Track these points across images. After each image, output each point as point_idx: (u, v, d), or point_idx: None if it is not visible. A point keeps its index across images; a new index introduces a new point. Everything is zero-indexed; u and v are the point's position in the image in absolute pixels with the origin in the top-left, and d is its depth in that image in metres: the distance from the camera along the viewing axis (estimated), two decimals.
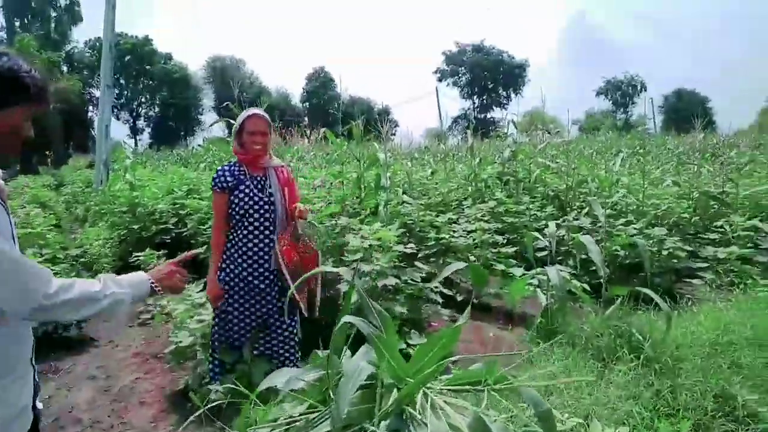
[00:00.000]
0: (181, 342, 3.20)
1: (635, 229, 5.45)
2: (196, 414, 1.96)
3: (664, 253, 5.20)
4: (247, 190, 2.87)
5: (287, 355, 2.99)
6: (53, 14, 44.42)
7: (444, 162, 10.82)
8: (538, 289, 3.75)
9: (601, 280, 3.47)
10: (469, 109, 61.39)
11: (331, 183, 6.26)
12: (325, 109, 55.71)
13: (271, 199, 2.90)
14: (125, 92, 50.44)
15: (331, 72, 58.76)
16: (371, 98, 55.58)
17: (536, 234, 4.08)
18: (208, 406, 2.68)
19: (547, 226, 6.32)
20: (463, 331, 4.57)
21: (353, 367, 1.66)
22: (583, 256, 4.54)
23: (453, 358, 1.98)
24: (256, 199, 2.87)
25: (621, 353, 2.96)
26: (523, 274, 4.23)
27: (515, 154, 7.97)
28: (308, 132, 14.30)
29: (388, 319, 2.07)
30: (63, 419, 3.10)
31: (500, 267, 5.10)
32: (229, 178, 2.88)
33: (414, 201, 5.78)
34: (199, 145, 13.60)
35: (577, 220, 5.88)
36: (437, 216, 6.09)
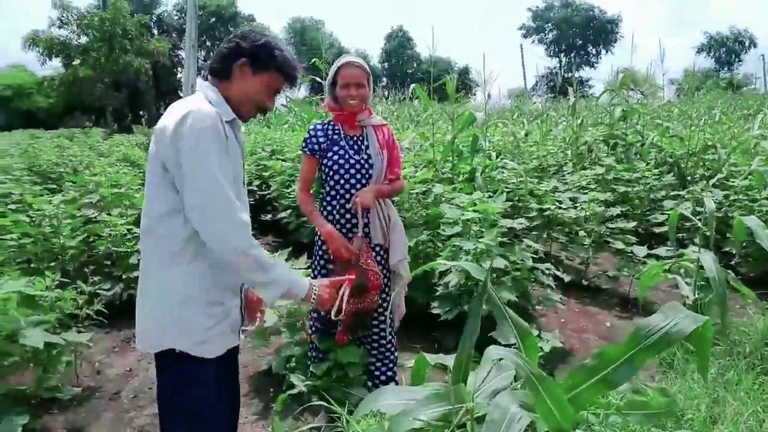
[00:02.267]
0: (265, 321, 2.90)
1: None
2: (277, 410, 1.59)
3: None
4: (341, 152, 2.44)
5: (382, 349, 2.58)
6: None
7: (538, 123, 9.94)
8: (679, 278, 3.10)
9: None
10: (555, 68, 57.86)
11: (421, 145, 5.75)
12: (404, 69, 54.53)
13: (369, 161, 2.46)
14: (211, 54, 51.78)
15: (410, 31, 57.24)
16: (451, 57, 53.63)
17: (684, 210, 3.35)
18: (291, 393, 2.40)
19: (667, 197, 5.57)
20: (575, 318, 4.03)
21: (500, 411, 1.20)
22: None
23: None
24: (352, 162, 2.44)
25: None
26: (661, 258, 3.55)
27: (626, 114, 7.03)
28: (386, 93, 13.73)
29: (528, 334, 1.59)
30: (141, 397, 2.91)
31: (617, 245, 4.41)
32: (321, 139, 2.47)
33: (518, 165, 5.15)
34: (282, 105, 13.42)
35: (708, 191, 5.04)
36: (538, 183, 5.44)
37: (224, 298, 1.53)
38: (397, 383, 2.69)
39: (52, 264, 3.90)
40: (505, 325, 1.60)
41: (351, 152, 2.44)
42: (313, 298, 1.61)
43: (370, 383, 2.58)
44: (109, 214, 4.27)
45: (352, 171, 2.43)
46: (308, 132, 2.51)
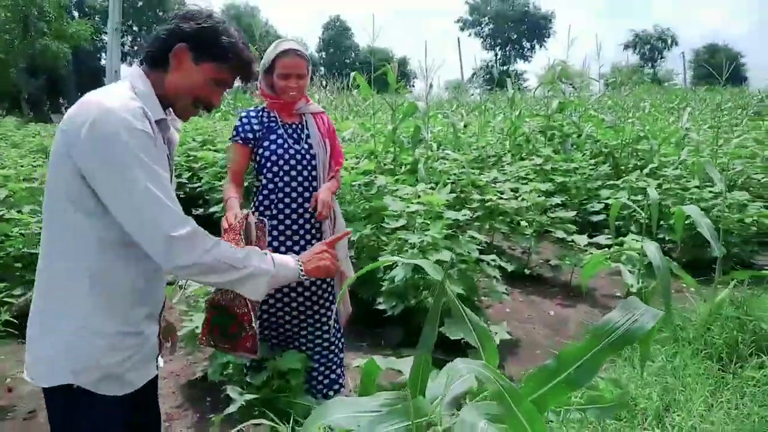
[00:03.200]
0: (197, 327, 2.67)
1: (711, 192, 4.76)
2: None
3: (747, 220, 4.52)
4: (280, 141, 2.24)
5: (326, 352, 2.42)
6: None
7: (476, 115, 10.02)
8: (622, 266, 3.13)
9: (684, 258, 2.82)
10: (491, 61, 59.11)
11: (361, 136, 5.60)
12: (342, 59, 54.02)
13: (311, 151, 2.28)
14: (138, 39, 49.14)
15: (348, 20, 56.69)
16: (389, 48, 53.61)
17: (625, 200, 3.39)
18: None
19: (603, 186, 5.72)
20: (520, 308, 4.03)
21: (467, 426, 1.08)
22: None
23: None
24: (292, 152, 2.24)
25: (745, 352, 2.37)
26: (602, 246, 3.59)
27: (563, 106, 7.17)
28: (324, 82, 13.46)
29: (488, 337, 1.48)
30: None
31: (558, 234, 4.45)
32: (255, 127, 2.25)
33: (460, 156, 5.09)
34: None
35: (642, 180, 5.20)
36: (479, 174, 5.43)
37: (143, 326, 1.29)
38: (342, 386, 2.55)
39: None
40: (463, 326, 1.48)
41: (290, 141, 2.25)
42: (303, 270, 1.43)
43: (311, 388, 2.42)
44: (19, 212, 3.85)
45: (293, 162, 2.23)
46: (240, 119, 2.28)
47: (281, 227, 2.27)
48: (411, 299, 3.12)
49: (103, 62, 36.08)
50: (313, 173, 2.27)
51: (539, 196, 4.62)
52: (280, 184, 2.24)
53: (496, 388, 1.12)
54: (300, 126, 2.30)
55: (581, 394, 1.71)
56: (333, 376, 2.46)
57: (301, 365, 2.27)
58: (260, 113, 2.28)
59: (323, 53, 58.04)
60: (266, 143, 2.23)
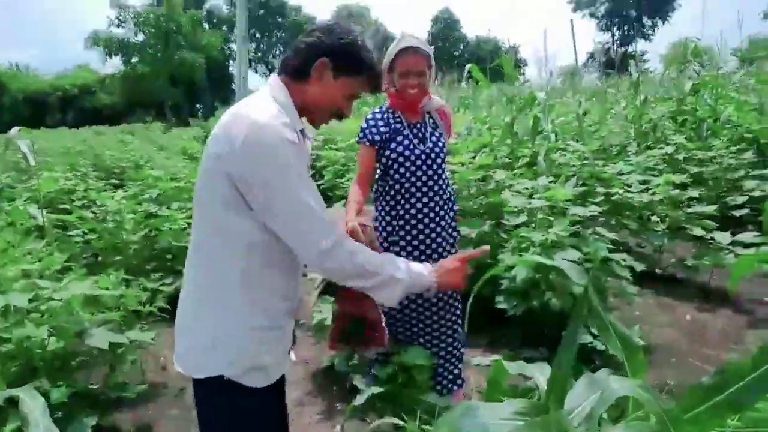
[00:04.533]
0: (325, 319, 2.82)
1: None
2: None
3: None
4: (406, 142, 2.28)
5: (450, 348, 2.43)
6: None
7: (594, 102, 9.43)
8: None
9: None
10: (607, 42, 55.20)
11: (478, 130, 5.52)
12: (451, 51, 53.57)
13: (435, 149, 2.29)
14: (261, 46, 52.52)
15: (456, 12, 56.08)
16: (497, 37, 52.17)
17: None
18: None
19: (746, 177, 5.12)
20: (650, 310, 3.76)
21: None
22: None
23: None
24: (417, 152, 2.27)
25: None
26: (749, 245, 3.24)
27: (697, 87, 6.52)
28: (435, 76, 13.39)
29: (637, 351, 1.40)
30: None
31: (695, 231, 4.07)
32: (382, 129, 2.30)
33: (583, 147, 4.84)
34: None
35: None
36: (603, 165, 5.12)
37: (283, 322, 1.37)
38: (464, 382, 2.55)
39: (117, 259, 3.98)
40: (606, 334, 1.41)
41: (415, 141, 2.28)
42: (437, 283, 1.42)
43: (435, 384, 2.45)
44: (168, 208, 4.32)
45: (418, 162, 2.27)
46: (366, 121, 2.35)
47: (407, 227, 2.32)
48: (533, 299, 3.03)
49: (231, 69, 39.03)
50: (438, 171, 2.29)
51: (673, 189, 4.26)
52: (407, 185, 2.28)
53: (656, 412, 1.05)
54: (423, 125, 2.32)
55: (737, 416, 1.55)
56: (456, 371, 2.48)
57: (427, 362, 2.30)
58: (385, 114, 2.33)
59: (432, 47, 57.86)
60: (393, 145, 2.27)
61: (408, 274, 1.35)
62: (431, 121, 2.34)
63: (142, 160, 8.37)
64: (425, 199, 2.29)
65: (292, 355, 1.47)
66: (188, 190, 4.72)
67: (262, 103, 1.28)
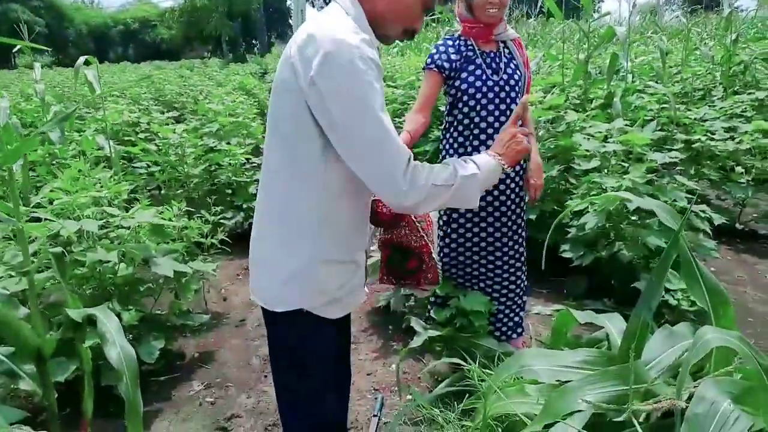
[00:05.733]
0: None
1: None
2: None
3: None
4: (478, 72, 2.10)
5: (512, 294, 2.34)
6: None
7: (676, 41, 8.68)
8: None
9: None
10: None
11: (549, 66, 5.17)
12: None
13: (510, 81, 2.12)
14: None
15: None
16: None
17: None
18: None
19: None
20: (728, 267, 3.51)
21: (706, 405, 0.94)
22: None
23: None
24: (490, 83, 2.10)
25: None
26: None
27: None
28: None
29: (725, 302, 1.27)
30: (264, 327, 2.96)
31: None
32: (453, 56, 2.13)
33: (664, 89, 4.45)
34: None
35: None
36: (686, 110, 4.72)
37: (357, 257, 1.34)
38: (524, 330, 2.48)
39: (179, 191, 4.06)
40: (694, 286, 1.29)
41: (489, 72, 2.10)
42: (504, 162, 1.34)
43: (495, 330, 2.39)
44: (228, 144, 4.33)
45: (490, 95, 2.10)
46: (436, 47, 2.17)
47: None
48: (602, 250, 2.88)
49: (288, 3, 38.39)
50: (512, 106, 2.11)
51: (762, 138, 3.88)
52: (477, 119, 2.13)
53: (752, 366, 0.95)
54: (498, 55, 2.14)
55: None
56: (517, 318, 2.39)
57: (485, 308, 2.23)
58: (457, 41, 2.15)
59: None
60: (464, 75, 2.11)
61: (478, 168, 1.27)
62: (506, 51, 2.15)
63: (201, 95, 8.45)
64: (497, 135, 2.14)
65: (366, 289, 1.46)
66: (246, 125, 4.70)
67: (336, 19, 1.17)
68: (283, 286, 1.26)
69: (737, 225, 4.03)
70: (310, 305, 1.27)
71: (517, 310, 2.41)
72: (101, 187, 2.51)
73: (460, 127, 2.18)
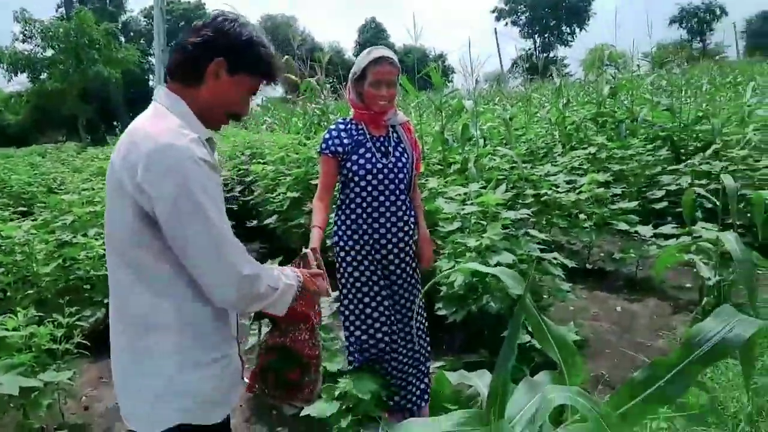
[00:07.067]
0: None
1: None
2: None
3: None
4: (368, 155, 2.22)
5: (415, 363, 2.37)
6: None
7: (520, 106, 9.78)
8: (695, 258, 2.95)
9: None
10: (530, 49, 57.80)
11: None
12: None
13: (398, 164, 2.25)
14: None
15: (383, 23, 56.86)
16: (425, 45, 53.35)
17: (699, 189, 3.19)
18: None
19: (663, 172, 5.44)
20: (583, 304, 3.87)
21: None
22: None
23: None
24: (380, 166, 2.21)
25: None
26: (669, 237, 3.40)
27: (614, 90, 6.89)
28: None
29: (573, 354, 1.40)
30: None
31: (620, 226, 4.25)
32: (345, 140, 2.23)
33: (511, 152, 4.95)
34: (258, 105, 13.06)
35: (706, 163, 4.92)
36: (531, 168, 5.28)
37: (228, 349, 1.26)
38: (429, 396, 2.48)
39: (29, 293, 3.65)
40: (546, 342, 1.40)
41: (378, 155, 2.23)
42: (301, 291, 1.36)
43: (407, 402, 2.38)
44: (85, 235, 4.01)
45: (380, 176, 2.21)
46: (329, 131, 2.27)
47: (371, 241, 2.25)
48: (471, 304, 3.04)
49: (151, 83, 37.52)
50: (401, 186, 2.25)
51: (597, 187, 4.44)
52: (368, 199, 2.22)
53: (593, 417, 1.05)
54: (387, 139, 2.28)
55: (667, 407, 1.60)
56: (422, 386, 2.42)
57: (375, 391, 2.22)
58: (349, 125, 2.27)
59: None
60: (354, 157, 2.21)
61: (294, 278, 1.32)
62: (395, 135, 2.30)
63: (55, 183, 7.81)
64: (387, 213, 2.24)
65: (245, 378, 1.40)
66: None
67: (159, 121, 1.15)
68: (153, 406, 1.16)
69: (587, 265, 4.49)
70: (188, 418, 1.18)
71: (421, 377, 2.44)
72: None
73: (353, 205, 2.27)
